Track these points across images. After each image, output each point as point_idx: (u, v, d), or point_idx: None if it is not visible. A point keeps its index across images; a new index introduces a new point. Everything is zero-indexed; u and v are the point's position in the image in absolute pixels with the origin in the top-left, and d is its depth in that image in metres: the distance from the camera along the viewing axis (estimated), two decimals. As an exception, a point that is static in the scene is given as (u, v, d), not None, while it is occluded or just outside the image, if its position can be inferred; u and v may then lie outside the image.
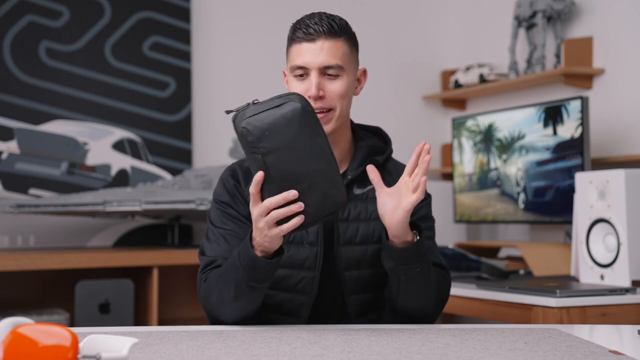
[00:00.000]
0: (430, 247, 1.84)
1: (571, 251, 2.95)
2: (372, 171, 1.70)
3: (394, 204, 1.67)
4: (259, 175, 1.56)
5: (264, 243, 1.62)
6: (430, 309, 1.78)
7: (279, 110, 1.55)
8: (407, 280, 1.72)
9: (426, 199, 1.90)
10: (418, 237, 1.70)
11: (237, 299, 1.70)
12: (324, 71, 1.78)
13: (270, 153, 1.54)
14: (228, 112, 1.61)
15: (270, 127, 1.54)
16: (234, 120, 1.58)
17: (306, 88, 1.78)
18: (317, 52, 1.77)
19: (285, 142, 1.54)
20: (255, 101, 1.58)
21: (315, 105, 1.76)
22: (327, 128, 1.78)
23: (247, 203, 1.83)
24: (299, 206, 1.55)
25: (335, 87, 1.79)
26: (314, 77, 1.77)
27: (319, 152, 1.56)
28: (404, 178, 1.68)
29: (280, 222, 1.57)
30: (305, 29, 1.78)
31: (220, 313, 1.75)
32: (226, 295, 1.71)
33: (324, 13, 1.81)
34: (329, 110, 1.79)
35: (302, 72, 1.79)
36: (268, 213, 1.57)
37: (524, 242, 3.50)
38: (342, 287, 1.81)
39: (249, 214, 1.83)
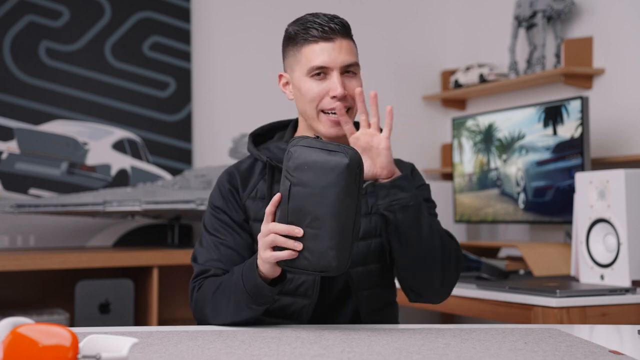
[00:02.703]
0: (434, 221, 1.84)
1: (571, 251, 2.95)
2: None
3: (372, 154, 1.73)
4: (276, 197, 1.56)
5: (260, 266, 1.62)
6: (437, 275, 1.76)
7: (328, 155, 1.54)
8: (406, 233, 1.72)
9: (420, 179, 1.93)
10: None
11: (236, 316, 1.71)
12: (344, 70, 1.77)
13: (298, 185, 1.54)
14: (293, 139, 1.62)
15: (311, 164, 1.54)
16: (289, 142, 1.61)
17: (327, 88, 1.76)
18: (337, 51, 1.75)
19: (315, 185, 1.54)
20: (318, 137, 1.59)
21: (338, 104, 1.75)
22: (350, 127, 1.77)
23: (242, 209, 1.83)
24: (298, 245, 1.54)
25: (354, 85, 1.78)
26: (336, 76, 1.75)
27: (342, 212, 1.54)
28: (364, 130, 1.75)
29: (276, 249, 1.57)
30: (320, 27, 1.75)
31: (213, 323, 1.75)
32: (223, 311, 1.72)
33: (327, 13, 1.79)
34: (349, 109, 1.78)
35: (321, 72, 1.76)
36: (269, 234, 1.56)
37: (524, 242, 3.50)
38: (350, 285, 1.80)
39: (243, 220, 1.83)
